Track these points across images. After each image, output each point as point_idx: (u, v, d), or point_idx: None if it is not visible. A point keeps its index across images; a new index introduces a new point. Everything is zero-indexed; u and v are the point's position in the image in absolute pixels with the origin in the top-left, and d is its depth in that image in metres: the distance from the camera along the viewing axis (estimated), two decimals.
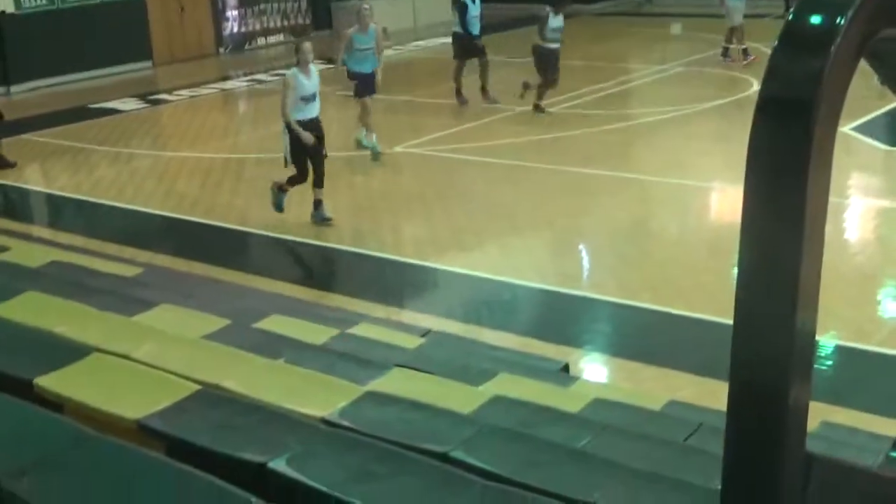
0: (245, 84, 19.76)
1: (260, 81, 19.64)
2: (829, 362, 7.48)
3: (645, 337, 7.94)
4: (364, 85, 13.23)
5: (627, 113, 15.50)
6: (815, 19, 0.90)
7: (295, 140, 10.23)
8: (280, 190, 10.63)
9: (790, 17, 0.93)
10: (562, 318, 8.54)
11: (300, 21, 24.36)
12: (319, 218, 10.54)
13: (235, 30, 23.07)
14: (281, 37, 23.87)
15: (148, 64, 21.13)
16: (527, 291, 9.00)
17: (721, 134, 13.72)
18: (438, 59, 21.72)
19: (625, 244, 9.88)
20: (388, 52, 22.10)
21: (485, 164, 12.61)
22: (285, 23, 24.06)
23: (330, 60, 21.06)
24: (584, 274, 9.63)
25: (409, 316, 8.46)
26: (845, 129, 12.55)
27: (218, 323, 5.48)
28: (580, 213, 10.69)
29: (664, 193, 11.56)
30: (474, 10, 15.47)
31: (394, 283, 9.56)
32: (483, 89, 15.71)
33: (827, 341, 7.59)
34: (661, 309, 8.12)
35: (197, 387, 3.65)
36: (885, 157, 11.27)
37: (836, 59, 0.87)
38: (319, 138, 10.43)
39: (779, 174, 0.89)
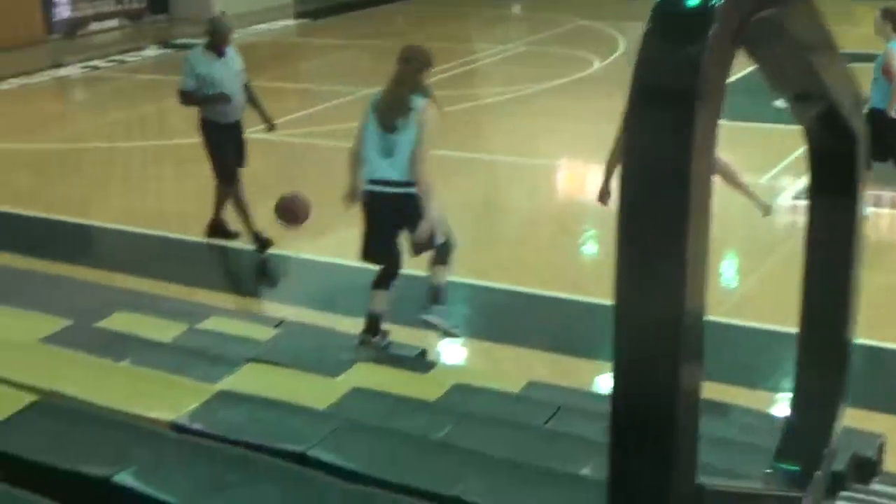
0: (80, 71, 19.00)
1: (96, 68, 18.92)
2: None
3: (498, 317, 7.96)
4: None
5: (474, 93, 15.53)
6: (689, 2, 0.82)
7: None
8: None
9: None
10: (413, 301, 8.45)
11: (135, 5, 23.59)
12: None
13: (67, 15, 22.14)
14: (115, 21, 23.08)
15: None
16: None
17: (565, 112, 13.87)
18: (280, 42, 21.38)
19: (475, 225, 9.87)
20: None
21: (339, 148, 12.40)
22: (119, 7, 23.27)
23: (166, 45, 20.33)
24: None
25: (261, 306, 8.26)
26: None
27: (57, 324, 5.21)
28: None
29: (512, 172, 11.63)
30: None
31: (245, 272, 9.32)
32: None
33: None
34: (513, 288, 8.15)
35: (33, 397, 3.43)
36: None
37: (713, 45, 0.80)
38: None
39: (659, 169, 0.81)
